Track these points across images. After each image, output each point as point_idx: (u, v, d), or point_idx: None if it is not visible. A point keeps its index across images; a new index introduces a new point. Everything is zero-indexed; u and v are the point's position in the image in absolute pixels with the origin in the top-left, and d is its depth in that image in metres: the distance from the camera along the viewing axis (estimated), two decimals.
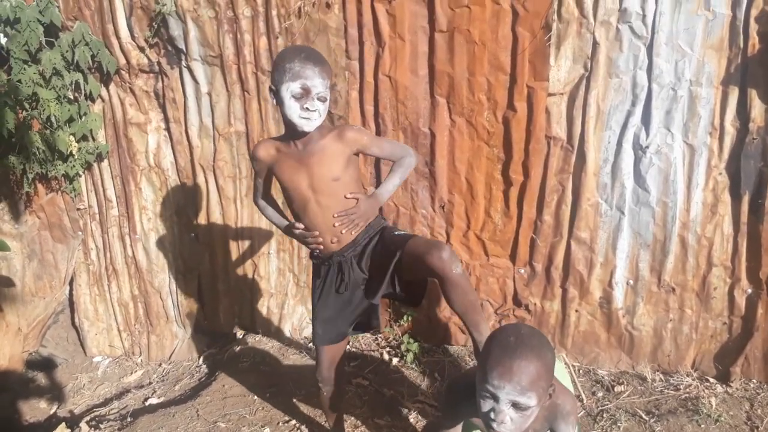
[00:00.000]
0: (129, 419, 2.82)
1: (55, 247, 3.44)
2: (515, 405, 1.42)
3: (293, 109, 1.77)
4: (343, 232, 1.90)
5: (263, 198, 2.14)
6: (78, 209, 3.40)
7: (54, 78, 2.94)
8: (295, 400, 2.71)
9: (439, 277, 1.73)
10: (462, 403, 1.68)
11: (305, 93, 1.75)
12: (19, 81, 2.87)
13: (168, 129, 3.15)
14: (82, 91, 3.06)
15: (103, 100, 3.17)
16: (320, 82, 1.76)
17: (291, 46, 1.90)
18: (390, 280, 1.88)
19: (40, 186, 3.24)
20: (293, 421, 2.56)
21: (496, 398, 1.43)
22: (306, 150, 1.86)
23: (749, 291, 2.58)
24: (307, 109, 1.76)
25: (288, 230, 2.04)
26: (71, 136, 3.06)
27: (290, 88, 1.75)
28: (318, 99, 1.77)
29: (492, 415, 1.45)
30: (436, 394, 2.69)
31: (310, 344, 3.20)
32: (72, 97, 3.07)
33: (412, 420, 2.53)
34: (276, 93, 1.80)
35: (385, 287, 1.89)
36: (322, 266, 2.02)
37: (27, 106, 2.96)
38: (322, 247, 1.95)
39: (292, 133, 1.86)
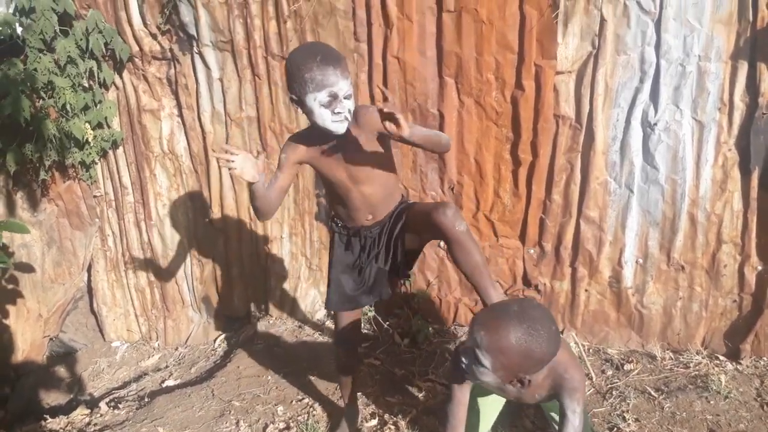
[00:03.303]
0: (146, 400, 2.89)
1: (73, 234, 3.51)
2: (475, 357, 1.61)
3: (325, 117, 1.75)
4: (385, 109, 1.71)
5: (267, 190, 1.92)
6: (95, 196, 3.46)
7: (69, 66, 2.99)
8: (308, 379, 2.76)
9: (443, 235, 1.76)
10: None
11: (333, 99, 1.73)
12: (35, 69, 2.93)
13: (181, 115, 3.20)
14: (97, 79, 3.12)
15: (117, 88, 3.23)
16: (345, 83, 1.74)
17: (300, 48, 1.81)
18: (395, 245, 1.91)
19: (57, 174, 3.31)
20: (306, 399, 2.61)
21: (472, 345, 1.63)
22: (338, 145, 1.85)
23: (759, 268, 2.57)
24: (339, 113, 1.75)
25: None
26: (87, 124, 3.11)
27: (317, 99, 1.72)
28: (345, 99, 1.76)
29: (463, 359, 1.67)
30: (447, 372, 2.72)
31: (324, 324, 3.24)
32: (87, 85, 3.12)
33: (422, 398, 2.56)
34: (300, 103, 1.78)
35: (392, 252, 1.92)
36: (343, 237, 2.05)
37: (43, 94, 3.02)
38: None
39: (323, 135, 1.83)
